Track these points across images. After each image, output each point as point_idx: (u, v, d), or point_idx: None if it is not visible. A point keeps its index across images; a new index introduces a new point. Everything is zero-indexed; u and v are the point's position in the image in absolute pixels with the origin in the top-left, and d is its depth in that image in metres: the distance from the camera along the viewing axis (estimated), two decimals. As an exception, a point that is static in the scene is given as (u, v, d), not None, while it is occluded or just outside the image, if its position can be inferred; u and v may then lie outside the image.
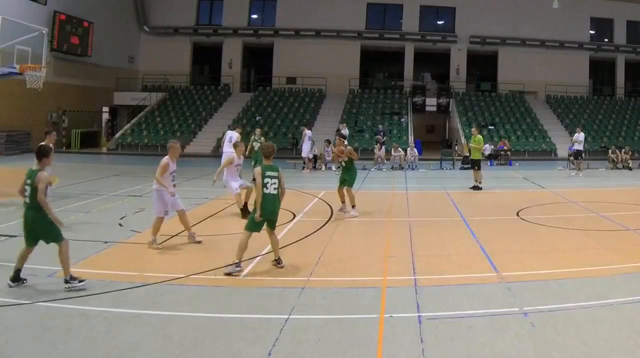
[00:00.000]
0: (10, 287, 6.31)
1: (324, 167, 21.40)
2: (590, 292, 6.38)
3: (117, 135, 30.32)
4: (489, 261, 7.82)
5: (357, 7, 35.80)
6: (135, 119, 31.25)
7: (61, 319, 5.46)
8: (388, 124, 30.51)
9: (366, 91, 35.49)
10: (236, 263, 7.09)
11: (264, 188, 7.21)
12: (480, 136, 16.50)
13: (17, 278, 6.37)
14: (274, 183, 7.27)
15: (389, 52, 37.22)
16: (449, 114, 33.81)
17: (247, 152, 14.24)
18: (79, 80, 30.09)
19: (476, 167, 15.86)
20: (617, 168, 22.69)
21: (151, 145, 27.73)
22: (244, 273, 7.14)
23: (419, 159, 23.76)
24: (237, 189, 10.89)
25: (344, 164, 11.69)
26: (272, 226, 7.42)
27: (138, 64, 36.13)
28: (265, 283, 6.80)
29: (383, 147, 22.95)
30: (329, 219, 10.88)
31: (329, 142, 20.88)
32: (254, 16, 37.10)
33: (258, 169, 7.31)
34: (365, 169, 21.02)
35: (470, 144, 16.63)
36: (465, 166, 21.12)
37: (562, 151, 26.69)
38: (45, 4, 27.01)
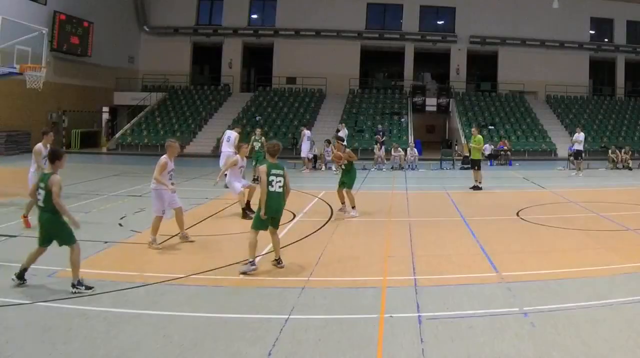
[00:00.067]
0: (13, 280, 6.32)
1: (324, 167, 21.41)
2: (590, 292, 6.38)
3: (117, 135, 30.33)
4: (489, 261, 7.82)
5: (357, 7, 35.80)
6: (135, 119, 31.26)
7: (61, 319, 5.46)
8: (388, 124, 30.51)
9: (366, 91, 35.48)
10: (250, 261, 7.10)
11: (269, 186, 7.21)
12: (480, 136, 16.50)
13: (21, 276, 6.37)
14: (279, 181, 7.28)
15: (389, 52, 37.23)
16: (449, 114, 33.81)
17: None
18: (79, 80, 30.09)
19: (476, 167, 15.86)
20: (617, 168, 22.69)
21: (151, 145, 27.74)
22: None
23: (419, 159, 23.76)
24: (240, 189, 10.92)
25: (343, 167, 11.69)
26: (275, 225, 7.43)
27: (138, 64, 36.13)
28: (265, 283, 6.79)
29: (383, 147, 22.97)
30: (329, 219, 10.88)
31: (328, 142, 20.88)
32: (254, 16, 37.10)
33: (263, 167, 7.30)
34: (365, 169, 21.03)
35: (470, 144, 16.64)
36: (465, 166, 21.12)
37: (562, 151, 26.69)
38: (45, 4, 27.02)
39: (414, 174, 20.80)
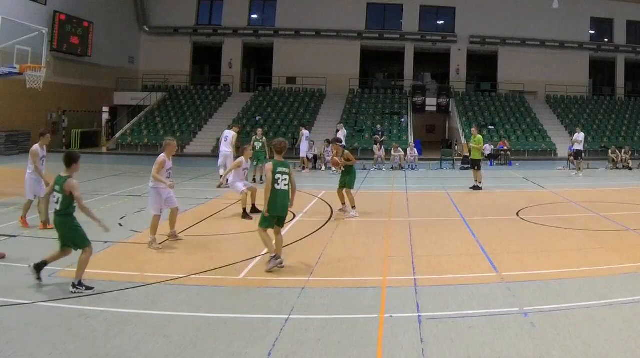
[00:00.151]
0: (29, 267, 6.38)
1: (324, 167, 21.41)
2: (590, 292, 6.38)
3: (117, 135, 30.32)
4: (489, 261, 7.82)
5: (357, 7, 35.80)
6: (135, 119, 31.25)
7: (61, 319, 5.46)
8: (388, 123, 30.50)
9: (366, 91, 35.47)
10: (272, 257, 7.15)
11: (275, 184, 7.21)
12: (480, 136, 16.49)
13: (39, 268, 6.39)
14: (285, 179, 7.28)
15: (389, 52, 37.23)
16: (449, 114, 33.81)
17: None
18: (79, 80, 30.09)
19: (476, 167, 15.86)
20: (617, 168, 22.67)
21: (151, 145, 27.73)
22: (243, 273, 7.15)
23: (419, 159, 23.77)
24: (242, 188, 10.97)
25: (343, 168, 11.71)
26: (281, 223, 7.45)
27: (138, 64, 36.13)
28: (265, 283, 6.79)
29: (383, 147, 22.97)
30: (329, 219, 10.88)
31: (328, 142, 20.87)
32: (254, 16, 37.09)
33: (269, 165, 7.30)
34: (365, 169, 21.03)
35: (470, 144, 16.64)
36: (465, 166, 21.12)
37: (562, 151, 26.68)
38: (45, 4, 27.01)
39: (414, 174, 20.80)
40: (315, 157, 22.13)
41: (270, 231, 7.42)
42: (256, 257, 7.85)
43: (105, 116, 33.60)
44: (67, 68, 28.71)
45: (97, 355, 4.70)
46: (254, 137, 17.56)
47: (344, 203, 11.48)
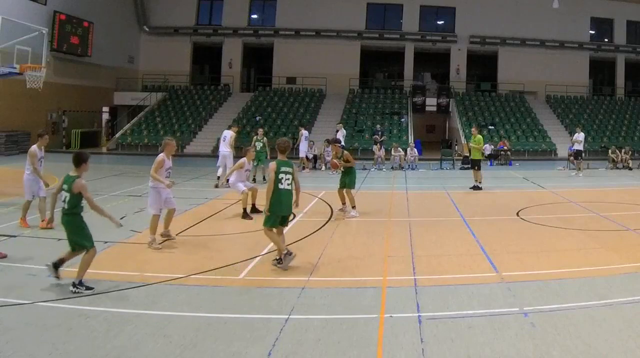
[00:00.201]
0: (47, 266, 6.40)
1: (324, 167, 21.42)
2: (590, 292, 6.38)
3: (117, 135, 30.32)
4: (489, 261, 7.82)
5: (357, 7, 35.79)
6: (135, 119, 31.25)
7: (61, 319, 5.46)
8: (388, 123, 30.51)
9: (366, 91, 35.47)
10: (284, 254, 7.21)
11: (279, 184, 7.22)
12: (480, 136, 16.49)
13: (57, 266, 6.43)
14: (288, 178, 7.31)
15: (389, 52, 37.23)
16: (449, 114, 33.81)
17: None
18: (79, 80, 30.09)
19: (476, 167, 15.86)
20: (617, 168, 22.68)
21: (151, 145, 27.72)
22: (243, 273, 7.15)
23: (419, 159, 23.76)
24: (243, 188, 11.00)
25: (342, 169, 11.71)
26: (284, 223, 7.45)
27: (138, 64, 36.13)
28: (265, 283, 6.80)
29: (383, 147, 22.97)
30: (329, 219, 10.88)
31: (328, 141, 20.89)
32: (254, 16, 37.09)
33: (273, 164, 7.30)
34: (365, 169, 21.04)
35: (470, 144, 16.64)
36: (465, 166, 21.12)
37: (562, 151, 26.68)
38: (45, 4, 27.01)
39: (414, 174, 20.79)
40: (315, 157, 22.14)
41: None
42: (256, 257, 7.86)
43: (105, 116, 33.61)
44: (67, 68, 28.72)
45: (97, 355, 4.70)
46: (255, 137, 17.57)
47: (344, 203, 11.48)
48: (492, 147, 25.37)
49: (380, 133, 25.17)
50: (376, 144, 23.02)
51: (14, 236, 8.84)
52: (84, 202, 6.41)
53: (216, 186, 15.15)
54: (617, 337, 5.10)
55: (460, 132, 29.46)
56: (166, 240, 8.69)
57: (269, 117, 31.15)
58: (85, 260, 6.30)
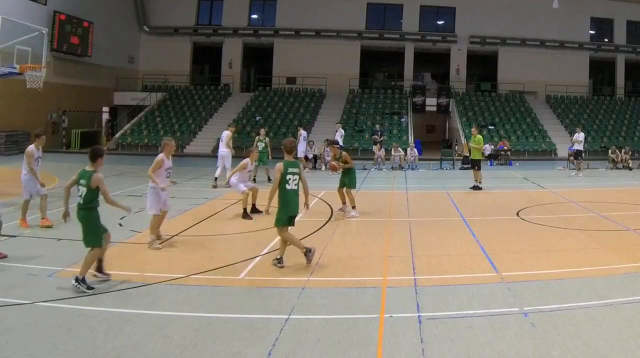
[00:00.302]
0: (96, 276, 6.52)
1: (324, 167, 21.42)
2: (590, 292, 6.38)
3: (117, 135, 30.31)
4: (489, 261, 7.82)
5: (357, 7, 35.79)
6: (135, 119, 31.24)
7: (61, 319, 5.46)
8: (388, 123, 30.50)
9: (366, 91, 35.46)
10: (306, 250, 7.30)
11: (287, 185, 7.24)
12: (480, 136, 16.49)
13: (100, 269, 6.57)
14: (295, 179, 7.32)
15: (389, 52, 37.20)
16: (449, 114, 33.80)
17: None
18: (79, 80, 30.09)
19: (476, 167, 15.86)
20: (617, 168, 22.68)
21: (151, 145, 27.70)
22: (243, 273, 7.15)
23: (419, 159, 23.76)
24: (244, 188, 11.01)
25: (341, 171, 11.71)
26: (292, 222, 7.47)
27: (138, 64, 36.13)
28: (265, 283, 6.80)
29: (383, 147, 22.96)
30: (329, 219, 10.88)
31: (328, 141, 20.89)
32: (254, 16, 37.08)
33: (280, 166, 7.29)
34: (365, 169, 21.04)
35: (470, 144, 16.64)
36: (465, 166, 21.12)
37: (562, 151, 26.68)
38: (45, 4, 27.00)
39: (414, 174, 20.79)
40: (315, 157, 22.14)
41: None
42: (256, 257, 7.86)
43: (105, 116, 33.58)
44: (67, 68, 28.71)
45: (97, 355, 4.70)
46: (257, 138, 17.58)
47: (344, 203, 11.48)
48: (492, 147, 25.36)
49: (379, 133, 25.17)
50: (376, 144, 23.02)
51: (14, 236, 8.84)
52: (100, 197, 6.49)
53: (214, 186, 15.14)
54: (617, 337, 5.10)
55: (460, 132, 29.45)
56: (167, 240, 8.69)
57: (269, 117, 31.14)
58: (90, 258, 6.36)
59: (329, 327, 5.35)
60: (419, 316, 5.62)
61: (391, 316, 5.61)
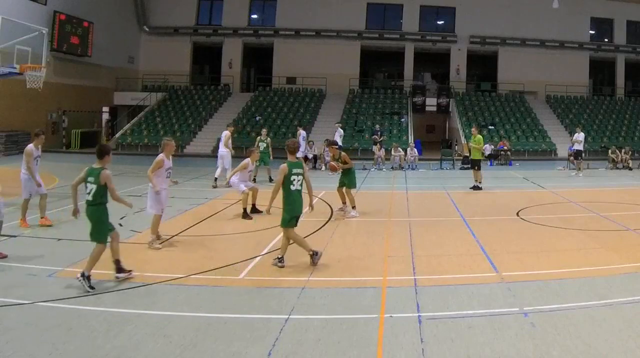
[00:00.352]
0: (117, 278, 6.55)
1: (323, 167, 21.43)
2: (590, 292, 6.38)
3: (117, 135, 30.30)
4: (489, 261, 7.82)
5: (357, 7, 35.78)
6: (135, 119, 31.24)
7: (61, 319, 5.46)
8: (388, 123, 30.50)
9: (366, 91, 35.46)
10: (313, 253, 7.31)
11: (291, 186, 7.25)
12: (480, 136, 16.49)
13: (120, 270, 6.61)
14: (299, 179, 7.34)
15: (389, 52, 37.19)
16: (449, 114, 33.79)
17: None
18: (79, 80, 30.08)
19: (476, 167, 15.86)
20: (617, 168, 22.67)
21: (151, 145, 27.70)
22: (243, 273, 7.15)
23: (419, 159, 23.76)
24: (244, 188, 11.02)
25: (341, 171, 11.71)
26: (296, 223, 7.49)
27: (138, 64, 36.13)
28: (265, 283, 6.80)
29: (383, 147, 22.96)
30: (329, 219, 10.88)
31: (328, 142, 20.89)
32: (254, 16, 37.08)
33: (284, 167, 7.31)
34: (365, 169, 21.04)
35: (470, 144, 16.64)
36: (465, 166, 21.12)
37: (562, 151, 26.68)
38: (45, 4, 27.00)
39: (414, 174, 20.79)
40: (315, 157, 22.14)
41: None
42: (256, 257, 7.86)
43: (105, 116, 33.52)
44: (67, 68, 28.71)
45: (97, 355, 4.70)
46: (258, 138, 17.58)
47: (344, 202, 11.48)
48: (492, 147, 25.36)
49: (379, 133, 25.17)
50: (376, 144, 23.02)
51: (14, 236, 8.84)
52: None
53: (214, 187, 15.14)
54: (617, 337, 5.10)
55: (460, 132, 29.45)
56: (167, 240, 8.69)
57: (269, 117, 31.14)
58: (95, 254, 6.40)
59: (329, 327, 5.35)
60: (419, 316, 5.62)
61: (391, 316, 5.61)
